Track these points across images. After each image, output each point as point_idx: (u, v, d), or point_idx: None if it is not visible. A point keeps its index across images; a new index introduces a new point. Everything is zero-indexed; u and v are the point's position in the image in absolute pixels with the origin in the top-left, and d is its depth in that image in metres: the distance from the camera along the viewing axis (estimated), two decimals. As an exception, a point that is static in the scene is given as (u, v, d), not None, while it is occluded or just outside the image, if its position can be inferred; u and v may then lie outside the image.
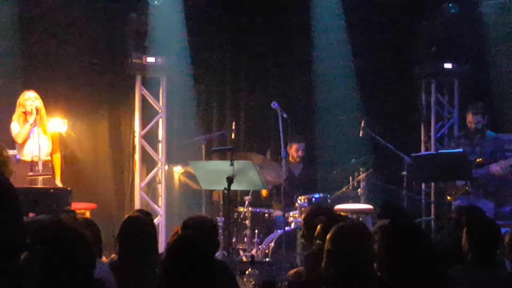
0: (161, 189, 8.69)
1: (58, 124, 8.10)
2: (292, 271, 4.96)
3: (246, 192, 8.22)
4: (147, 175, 8.71)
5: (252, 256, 6.68)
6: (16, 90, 7.67)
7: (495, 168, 7.40)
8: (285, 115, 7.37)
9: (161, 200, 8.66)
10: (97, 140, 8.90)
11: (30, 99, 7.38)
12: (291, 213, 7.94)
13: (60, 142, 7.80)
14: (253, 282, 5.31)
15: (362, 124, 8.05)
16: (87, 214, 7.59)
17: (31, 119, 7.33)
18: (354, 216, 7.59)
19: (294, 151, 8.66)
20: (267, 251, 7.70)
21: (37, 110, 7.32)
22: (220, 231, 7.00)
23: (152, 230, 4.61)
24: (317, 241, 4.36)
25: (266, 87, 9.34)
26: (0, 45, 8.15)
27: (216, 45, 9.26)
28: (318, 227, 4.40)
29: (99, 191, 8.66)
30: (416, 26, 9.09)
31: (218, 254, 6.55)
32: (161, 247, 6.94)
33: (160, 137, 8.73)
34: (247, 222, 7.97)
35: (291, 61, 9.35)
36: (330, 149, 9.05)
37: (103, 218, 7.47)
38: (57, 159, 7.57)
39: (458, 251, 4.15)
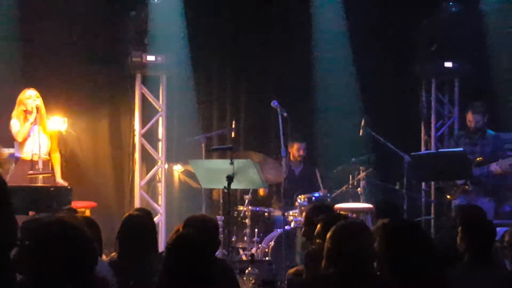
0: (161, 187, 8.68)
1: (58, 122, 8.07)
2: (292, 270, 4.97)
3: (246, 191, 8.22)
4: (147, 173, 8.70)
5: (252, 255, 6.67)
6: (16, 88, 7.65)
7: (495, 167, 7.40)
8: (285, 114, 7.36)
9: (161, 199, 8.66)
10: (97, 139, 8.90)
11: (31, 97, 7.36)
12: (291, 212, 7.94)
13: (60, 140, 7.80)
14: (253, 281, 5.32)
15: (362, 123, 8.03)
16: (87, 213, 7.59)
17: (31, 117, 7.31)
18: (354, 215, 7.59)
19: (296, 150, 8.65)
20: (267, 250, 7.70)
21: (38, 109, 7.31)
22: (220, 229, 6.99)
23: (152, 229, 4.61)
24: (317, 240, 4.36)
25: (266, 86, 9.33)
26: (0, 43, 8.16)
27: (216, 44, 9.24)
28: (318, 226, 4.40)
29: (99, 189, 8.67)
30: (417, 24, 9.08)
31: (218, 253, 6.55)
32: (161, 245, 6.95)
33: (160, 136, 8.72)
34: (247, 221, 7.96)
35: (291, 61, 9.34)
36: (330, 148, 9.04)
37: (103, 216, 7.45)
38: (57, 157, 7.56)
39: (458, 250, 4.15)
